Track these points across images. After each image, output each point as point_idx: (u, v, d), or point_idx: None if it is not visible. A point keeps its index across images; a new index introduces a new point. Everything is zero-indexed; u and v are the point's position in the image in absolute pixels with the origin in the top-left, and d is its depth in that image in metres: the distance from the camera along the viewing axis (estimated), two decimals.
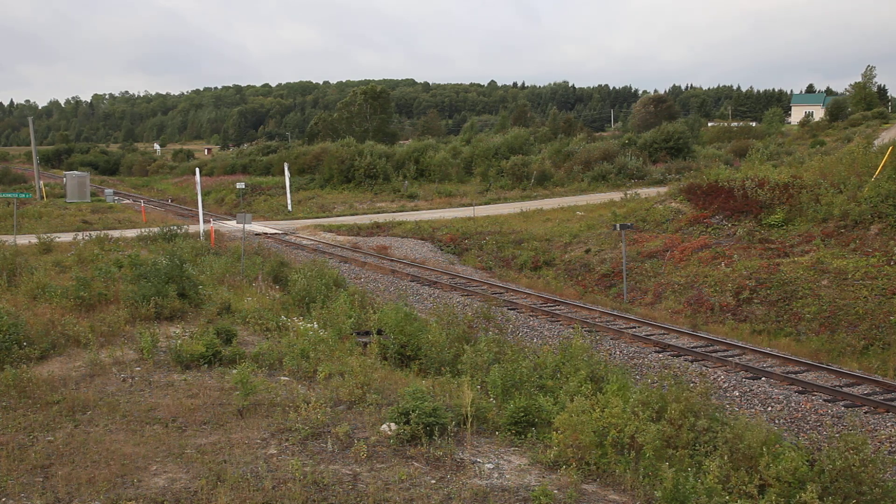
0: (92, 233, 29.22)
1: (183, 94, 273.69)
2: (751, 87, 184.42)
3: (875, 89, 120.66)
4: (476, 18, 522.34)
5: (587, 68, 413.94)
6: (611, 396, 9.78)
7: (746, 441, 8.87)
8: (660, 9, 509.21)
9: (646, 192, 40.29)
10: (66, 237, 29.06)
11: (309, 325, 14.71)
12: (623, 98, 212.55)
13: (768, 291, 20.80)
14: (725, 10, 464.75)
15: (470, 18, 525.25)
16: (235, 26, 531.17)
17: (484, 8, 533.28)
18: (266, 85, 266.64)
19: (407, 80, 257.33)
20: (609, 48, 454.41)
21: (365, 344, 14.02)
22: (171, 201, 57.11)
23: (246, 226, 25.65)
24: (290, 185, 50.07)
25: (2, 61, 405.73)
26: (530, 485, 8.23)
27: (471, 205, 42.60)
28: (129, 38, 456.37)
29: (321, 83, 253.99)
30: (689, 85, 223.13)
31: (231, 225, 37.48)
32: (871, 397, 14.10)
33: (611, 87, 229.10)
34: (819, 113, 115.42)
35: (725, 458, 8.69)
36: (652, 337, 18.41)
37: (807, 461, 8.91)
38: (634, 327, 19.52)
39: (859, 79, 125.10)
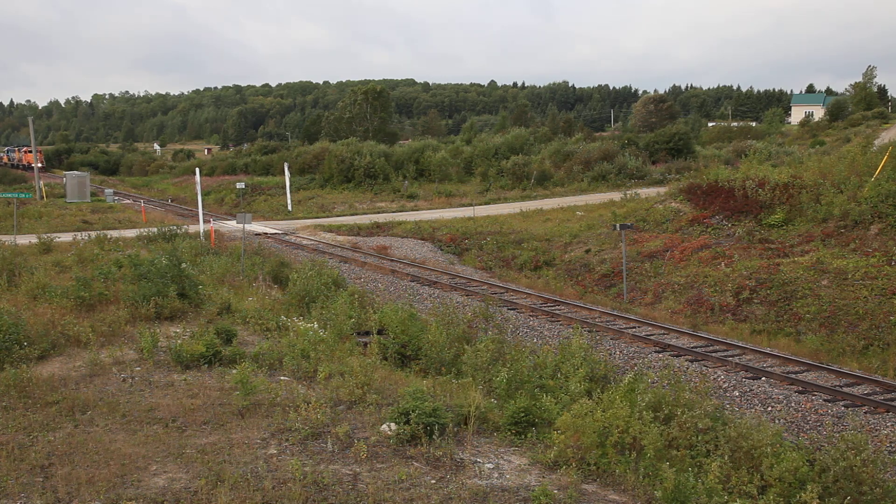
0: (92, 233, 29.21)
1: (183, 93, 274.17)
2: (751, 88, 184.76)
3: (875, 89, 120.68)
4: (489, 17, 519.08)
5: (600, 67, 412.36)
6: (616, 397, 9.78)
7: (751, 440, 8.87)
8: (676, 6, 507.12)
9: (646, 192, 40.30)
10: (66, 237, 29.05)
11: (309, 325, 14.70)
12: (623, 98, 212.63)
13: (768, 291, 20.80)
14: (741, 7, 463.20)
15: (483, 17, 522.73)
16: (243, 25, 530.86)
17: (497, 7, 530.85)
18: (266, 85, 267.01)
19: (407, 79, 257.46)
20: (623, 47, 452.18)
21: (365, 344, 14.03)
22: (171, 201, 57.09)
23: (246, 226, 25.65)
24: (290, 185, 50.08)
25: (6, 60, 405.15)
26: (530, 485, 8.23)
27: (471, 205, 42.60)
28: (134, 36, 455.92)
29: (321, 83, 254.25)
30: (690, 85, 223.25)
31: (231, 225, 37.48)
32: (871, 397, 14.10)
33: (611, 87, 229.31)
34: (819, 113, 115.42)
35: (726, 457, 8.69)
36: (652, 337, 18.41)
37: (807, 461, 8.92)
38: (634, 327, 19.52)
39: (860, 79, 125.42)
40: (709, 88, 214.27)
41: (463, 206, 44.65)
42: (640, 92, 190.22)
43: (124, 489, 7.85)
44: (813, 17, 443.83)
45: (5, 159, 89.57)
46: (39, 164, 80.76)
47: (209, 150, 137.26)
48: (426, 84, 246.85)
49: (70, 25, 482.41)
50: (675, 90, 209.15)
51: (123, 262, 20.11)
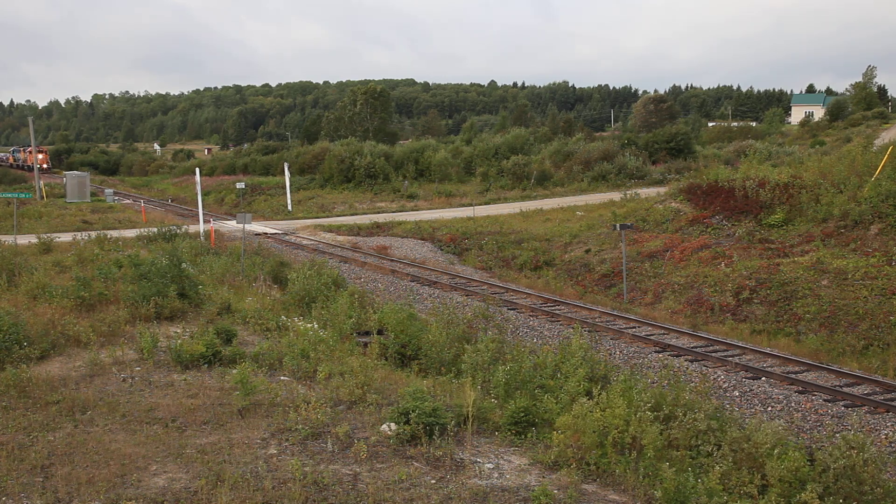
0: (92, 233, 29.22)
1: (183, 93, 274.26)
2: (751, 88, 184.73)
3: (875, 89, 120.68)
4: (490, 17, 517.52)
5: (600, 67, 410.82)
6: (615, 397, 9.78)
7: (754, 441, 8.86)
8: (677, 6, 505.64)
9: (646, 192, 40.30)
10: (66, 237, 29.05)
11: (309, 325, 14.71)
12: (623, 98, 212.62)
13: (768, 291, 20.80)
14: (741, 7, 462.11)
15: (483, 17, 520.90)
16: (243, 25, 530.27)
17: (498, 7, 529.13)
18: (266, 85, 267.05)
19: (407, 79, 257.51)
20: (624, 47, 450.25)
21: (365, 344, 14.03)
22: (171, 201, 57.08)
23: (246, 226, 25.65)
24: (290, 185, 50.07)
25: (6, 60, 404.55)
26: (530, 485, 8.24)
27: (471, 205, 42.60)
28: (134, 36, 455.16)
29: (321, 83, 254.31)
30: (690, 85, 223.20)
31: (231, 225, 37.48)
32: (871, 397, 14.10)
33: (611, 87, 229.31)
34: (819, 113, 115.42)
35: (729, 458, 8.69)
36: (652, 337, 18.41)
37: (809, 461, 8.92)
38: (634, 327, 19.52)
39: (860, 79, 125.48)
40: (709, 88, 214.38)
41: (463, 206, 44.64)
42: (640, 92, 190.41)
43: (124, 489, 7.85)
44: (813, 17, 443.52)
45: (11, 160, 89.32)
46: (45, 165, 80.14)
47: (209, 150, 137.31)
48: (426, 84, 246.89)
49: (70, 25, 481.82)
50: (675, 90, 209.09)
51: (123, 262, 20.12)
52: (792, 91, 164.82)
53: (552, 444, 8.98)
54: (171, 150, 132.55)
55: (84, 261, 22.50)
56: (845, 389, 14.49)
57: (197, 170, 40.83)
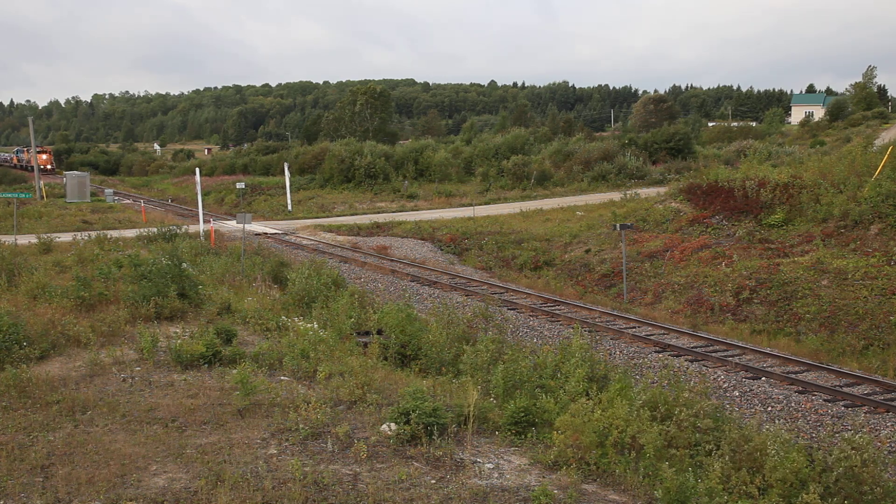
0: (92, 233, 29.22)
1: (183, 94, 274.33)
2: (751, 88, 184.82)
3: (875, 89, 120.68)
4: (490, 17, 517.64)
5: (600, 67, 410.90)
6: (614, 396, 9.78)
7: (755, 443, 8.85)
8: (677, 6, 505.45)
9: (646, 192, 40.30)
10: (66, 237, 29.06)
11: (309, 325, 14.71)
12: (623, 98, 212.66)
13: (768, 291, 20.80)
14: (742, 7, 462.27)
15: (484, 17, 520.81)
16: (244, 25, 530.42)
17: (499, 7, 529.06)
18: (266, 85, 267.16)
19: (407, 79, 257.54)
20: (624, 47, 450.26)
21: (365, 344, 14.03)
22: (171, 201, 57.08)
23: (246, 226, 25.65)
24: (290, 185, 50.07)
25: (6, 60, 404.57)
26: (530, 485, 8.24)
27: (471, 205, 42.60)
28: (134, 36, 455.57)
29: (321, 83, 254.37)
30: (690, 85, 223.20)
31: (231, 225, 37.48)
32: (871, 397, 14.10)
33: (611, 87, 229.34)
34: (819, 113, 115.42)
35: (727, 458, 8.69)
36: (652, 337, 18.41)
37: (810, 461, 8.91)
38: (634, 327, 19.52)
39: (860, 79, 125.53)
40: (709, 88, 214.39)
41: (463, 206, 44.65)
42: (640, 92, 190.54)
43: (124, 489, 7.85)
44: (814, 17, 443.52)
45: (14, 160, 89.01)
46: (49, 166, 79.61)
47: (209, 150, 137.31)
48: (426, 84, 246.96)
49: (70, 25, 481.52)
50: (675, 90, 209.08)
51: (123, 262, 20.12)
52: (792, 91, 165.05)
53: (552, 444, 8.98)
54: (171, 150, 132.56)
55: (84, 261, 22.50)
56: (845, 389, 14.50)
57: (197, 170, 40.83)
